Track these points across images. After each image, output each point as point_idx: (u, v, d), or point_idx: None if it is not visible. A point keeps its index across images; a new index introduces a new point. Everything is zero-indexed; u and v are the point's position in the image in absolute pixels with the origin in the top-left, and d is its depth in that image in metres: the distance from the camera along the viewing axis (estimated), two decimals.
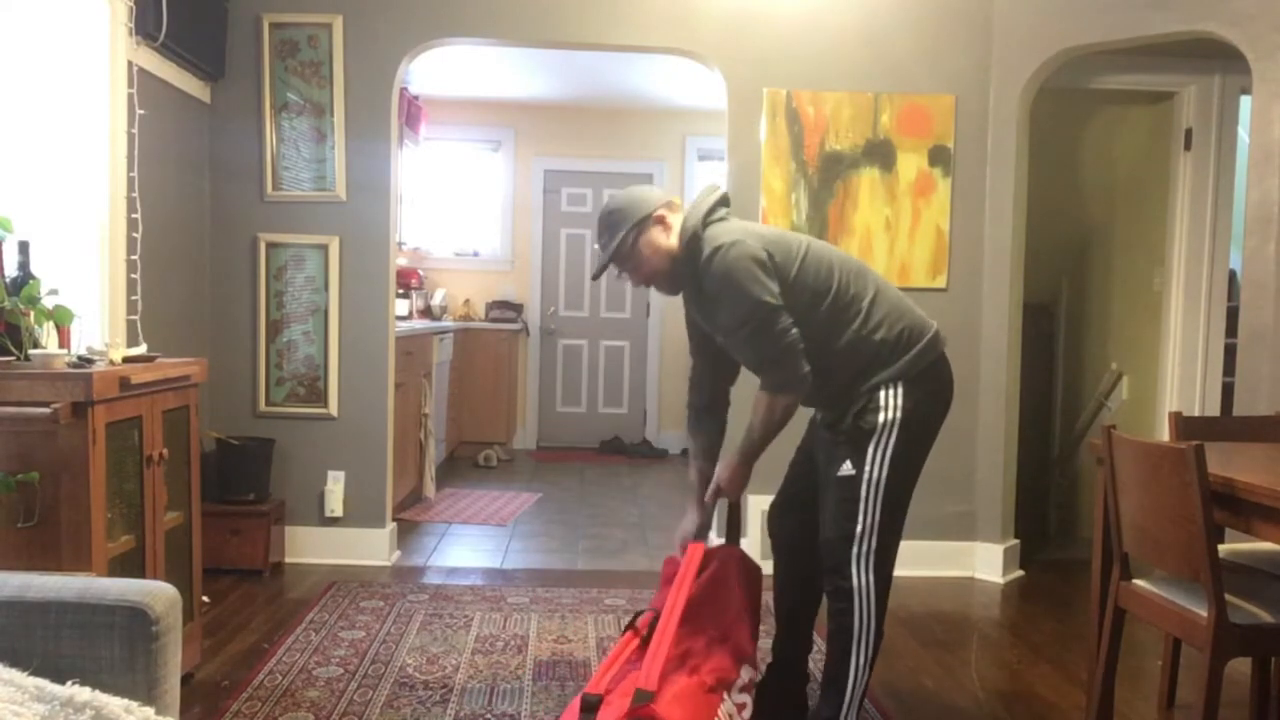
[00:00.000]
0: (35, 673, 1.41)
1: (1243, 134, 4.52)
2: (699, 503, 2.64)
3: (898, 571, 4.26)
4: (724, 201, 2.50)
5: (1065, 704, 2.93)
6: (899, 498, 2.44)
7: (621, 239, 2.42)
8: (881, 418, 2.38)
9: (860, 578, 2.39)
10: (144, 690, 1.51)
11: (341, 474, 4.17)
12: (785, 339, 2.33)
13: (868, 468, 2.38)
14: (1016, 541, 4.36)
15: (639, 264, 2.46)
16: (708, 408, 2.70)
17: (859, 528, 2.38)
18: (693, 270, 2.41)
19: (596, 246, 2.54)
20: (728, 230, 2.40)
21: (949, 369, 2.55)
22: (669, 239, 2.44)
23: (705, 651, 2.22)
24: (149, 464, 2.60)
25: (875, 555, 2.39)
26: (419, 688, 2.87)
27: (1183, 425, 2.86)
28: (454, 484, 6.06)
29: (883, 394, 2.40)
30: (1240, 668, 2.70)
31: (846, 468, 2.40)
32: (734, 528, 2.77)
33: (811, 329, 2.38)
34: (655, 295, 7.32)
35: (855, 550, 2.38)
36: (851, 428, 2.40)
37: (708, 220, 2.43)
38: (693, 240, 2.41)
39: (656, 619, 2.21)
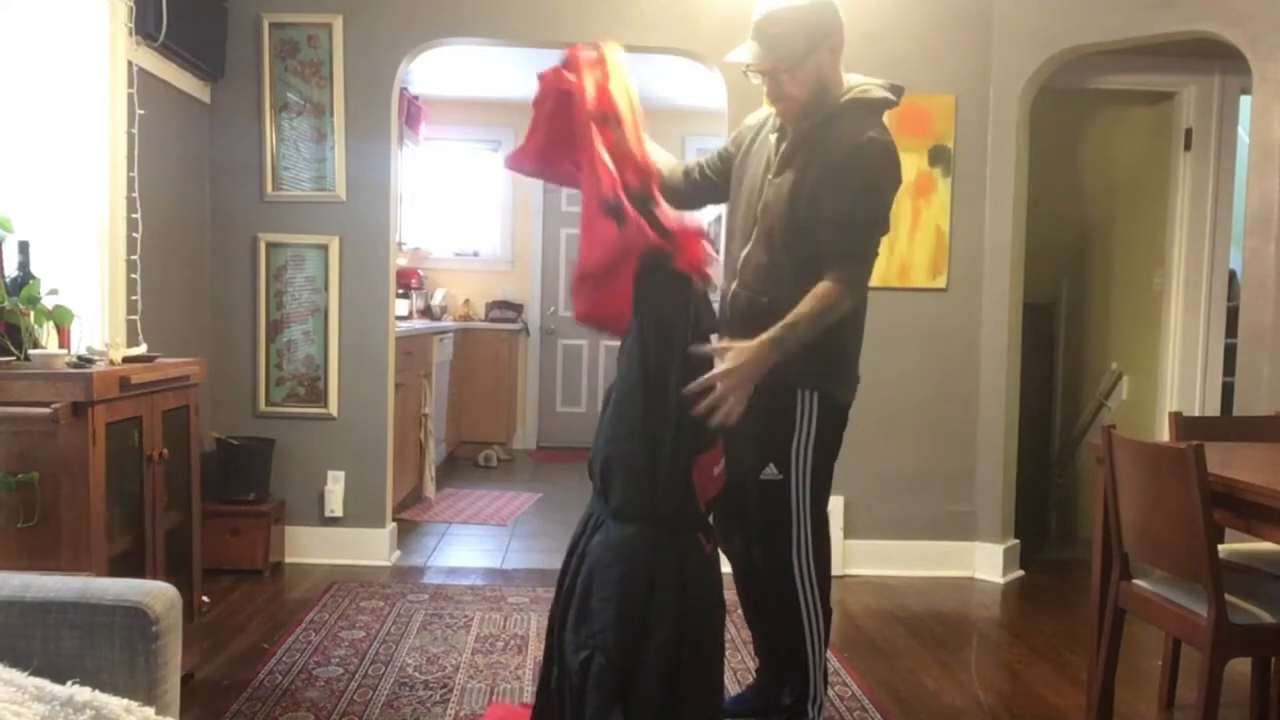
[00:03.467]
0: (35, 673, 1.41)
1: (1243, 134, 4.52)
2: None
3: (898, 571, 4.29)
4: (887, 106, 2.32)
5: (1065, 704, 2.93)
6: (823, 484, 2.45)
7: (795, 47, 2.20)
8: (799, 418, 2.37)
9: (802, 567, 2.42)
10: (144, 690, 1.50)
11: (341, 474, 4.17)
12: (875, 248, 2.27)
13: (793, 467, 2.38)
14: (1016, 541, 4.36)
15: (791, 83, 2.25)
16: (686, 184, 2.63)
17: (794, 528, 2.40)
18: (829, 131, 2.25)
19: (763, 33, 2.21)
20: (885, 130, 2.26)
21: (842, 418, 2.50)
22: (833, 73, 2.27)
23: None
24: (149, 464, 2.60)
25: (812, 543, 2.42)
26: (419, 688, 2.87)
27: (1183, 425, 2.86)
28: (454, 484, 6.06)
29: (800, 395, 2.36)
30: (1240, 668, 2.70)
31: (771, 471, 2.38)
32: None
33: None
34: None
35: (796, 547, 2.41)
36: (769, 423, 2.34)
37: (877, 102, 2.29)
38: (854, 105, 2.26)
39: None
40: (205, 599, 3.23)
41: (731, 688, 2.88)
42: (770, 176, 2.39)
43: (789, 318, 2.18)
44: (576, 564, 2.13)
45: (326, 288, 4.12)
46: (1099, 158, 5.16)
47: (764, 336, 2.16)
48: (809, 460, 2.38)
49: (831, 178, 2.24)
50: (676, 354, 2.02)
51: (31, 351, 2.36)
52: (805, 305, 2.19)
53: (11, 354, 2.36)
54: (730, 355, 2.11)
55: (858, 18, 4.19)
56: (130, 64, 3.33)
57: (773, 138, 2.44)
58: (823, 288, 2.21)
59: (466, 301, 7.56)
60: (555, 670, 2.14)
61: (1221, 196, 4.58)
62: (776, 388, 2.27)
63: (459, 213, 7.64)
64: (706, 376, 2.05)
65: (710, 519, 2.22)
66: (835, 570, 4.16)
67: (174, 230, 3.78)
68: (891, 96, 2.35)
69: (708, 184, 2.68)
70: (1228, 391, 4.22)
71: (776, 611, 2.49)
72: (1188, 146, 4.61)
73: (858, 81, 2.35)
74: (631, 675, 2.01)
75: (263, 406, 4.15)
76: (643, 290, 2.05)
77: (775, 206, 2.35)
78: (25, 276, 2.45)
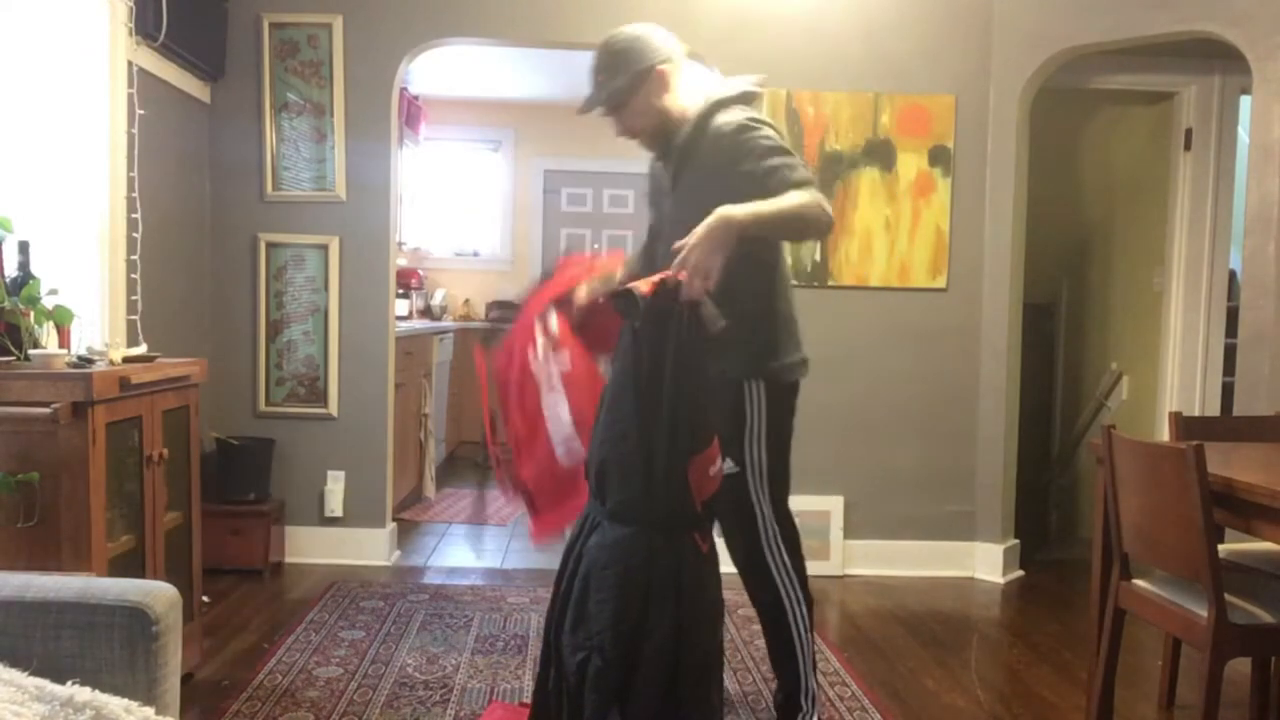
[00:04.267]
0: (35, 673, 1.41)
1: (1243, 134, 4.52)
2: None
3: (898, 571, 4.29)
4: (750, 98, 2.41)
5: (1065, 704, 2.93)
6: (779, 474, 2.47)
7: (617, 88, 2.33)
8: (749, 410, 2.39)
9: (776, 559, 2.44)
10: (144, 690, 1.50)
11: (341, 474, 4.17)
12: (809, 174, 2.26)
13: (748, 459, 2.40)
14: (1016, 541, 4.36)
15: (627, 117, 2.38)
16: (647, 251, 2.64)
17: (759, 519, 2.42)
18: (703, 134, 2.32)
19: (594, 81, 2.37)
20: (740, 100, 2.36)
21: (791, 402, 2.51)
22: (664, 99, 2.36)
23: None
24: (149, 464, 2.60)
25: (781, 533, 2.44)
26: (419, 688, 2.87)
27: (1183, 425, 2.86)
28: (454, 484, 6.06)
29: (747, 387, 2.39)
30: (1240, 668, 2.70)
31: (729, 465, 2.37)
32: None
33: (748, 264, 2.27)
34: None
35: (764, 538, 2.43)
36: (722, 422, 2.33)
37: (736, 97, 2.36)
38: (714, 108, 2.33)
39: None
40: (205, 599, 3.23)
41: (731, 687, 2.88)
42: (670, 196, 2.45)
43: (774, 201, 2.15)
44: (573, 565, 2.13)
45: (326, 288, 4.12)
46: (1099, 158, 5.16)
47: (727, 207, 2.10)
48: (762, 451, 2.41)
49: (728, 157, 2.28)
50: (670, 355, 2.01)
51: (31, 351, 2.36)
52: (785, 199, 2.17)
53: (11, 354, 2.36)
54: (697, 230, 2.07)
55: (858, 18, 4.21)
56: (130, 64, 3.33)
57: (659, 165, 2.51)
58: (790, 191, 2.19)
59: (466, 301, 7.56)
60: (553, 672, 2.14)
61: (1221, 196, 4.58)
62: (724, 383, 2.32)
63: (459, 213, 7.64)
64: (679, 244, 2.03)
65: (708, 519, 2.22)
66: (835, 570, 4.21)
67: (174, 230, 3.78)
68: (751, 89, 2.41)
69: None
70: (1228, 391, 4.22)
71: (760, 604, 2.52)
72: (1188, 146, 4.61)
73: (721, 85, 2.42)
74: (629, 676, 2.01)
75: (263, 406, 4.15)
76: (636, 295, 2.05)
77: (689, 214, 2.33)
78: (25, 276, 2.45)
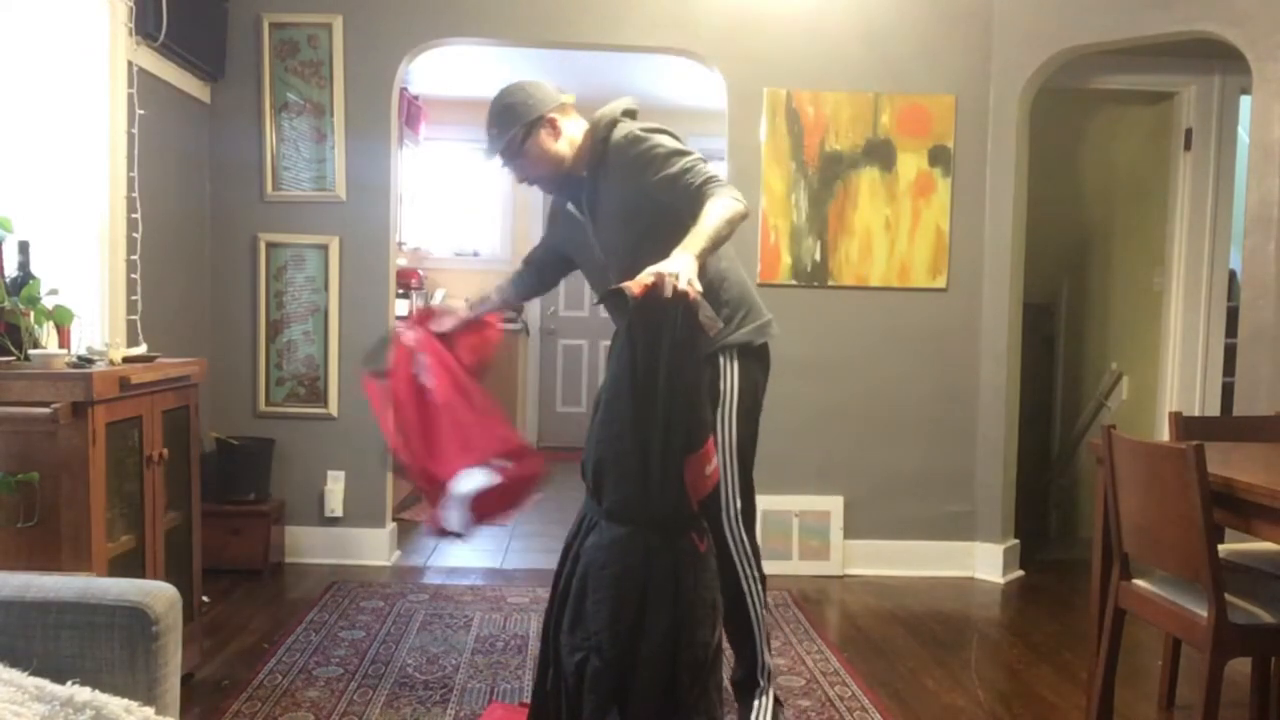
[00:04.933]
0: (35, 673, 1.41)
1: (1243, 134, 4.52)
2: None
3: (898, 571, 4.29)
4: (632, 113, 2.53)
5: (1065, 704, 2.93)
6: (748, 456, 2.52)
7: (510, 139, 2.45)
8: (723, 384, 2.45)
9: (735, 537, 2.47)
10: (144, 690, 1.51)
11: (341, 474, 4.17)
12: (714, 173, 2.34)
13: (719, 434, 2.43)
14: (1016, 541, 4.36)
15: (523, 165, 2.50)
16: (538, 272, 2.89)
17: (724, 493, 2.45)
18: (603, 162, 2.41)
19: (489, 134, 2.52)
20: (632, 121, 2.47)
21: (764, 370, 2.58)
22: (556, 144, 2.47)
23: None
24: (149, 464, 2.60)
25: (742, 514, 2.49)
26: (419, 688, 2.87)
27: (1183, 425, 2.86)
28: None
29: (721, 360, 2.45)
30: (1240, 668, 2.70)
31: None
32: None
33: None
34: None
35: (726, 515, 2.46)
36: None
37: (619, 118, 2.46)
38: (603, 132, 2.42)
39: None
40: (205, 599, 3.23)
41: (730, 686, 2.88)
42: (593, 228, 2.52)
43: (700, 223, 2.16)
44: (571, 566, 2.13)
45: (326, 288, 4.12)
46: (1099, 158, 5.16)
47: (678, 249, 2.10)
48: (733, 426, 2.46)
49: (635, 169, 2.37)
50: (664, 354, 2.01)
51: (31, 351, 2.36)
52: (710, 211, 2.19)
53: (11, 354, 2.36)
54: (665, 264, 2.04)
55: (858, 18, 4.21)
56: (130, 64, 3.33)
57: (570, 205, 2.59)
58: (712, 201, 2.22)
59: (466, 301, 7.55)
60: (551, 672, 2.14)
61: (1221, 196, 4.58)
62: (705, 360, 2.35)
63: (459, 213, 7.64)
64: (652, 269, 2.00)
65: (703, 518, 2.22)
66: (835, 570, 4.21)
67: (174, 230, 3.78)
68: (631, 106, 2.52)
69: (548, 261, 2.91)
70: (1228, 391, 4.22)
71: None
72: (1188, 146, 4.61)
73: (603, 112, 2.49)
74: (628, 676, 2.01)
75: (263, 406, 4.15)
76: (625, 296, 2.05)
77: (614, 237, 2.47)
78: (25, 276, 2.45)
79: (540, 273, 2.93)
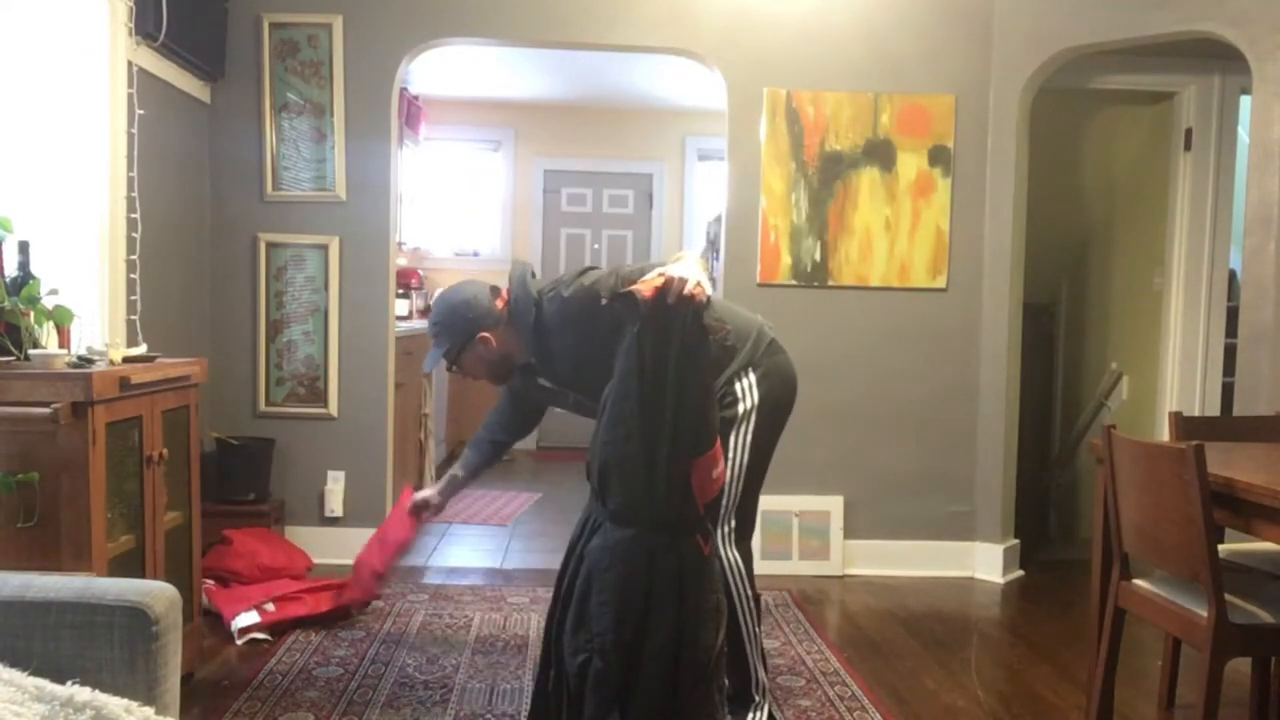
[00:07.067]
0: (35, 673, 1.41)
1: (1243, 134, 4.52)
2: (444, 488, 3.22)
3: (897, 571, 4.29)
4: (531, 274, 2.64)
5: (1065, 704, 2.93)
6: (756, 478, 2.55)
7: (448, 351, 2.60)
8: (741, 408, 2.48)
9: (728, 555, 2.49)
10: (144, 690, 1.50)
11: (341, 474, 4.17)
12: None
13: (732, 455, 2.46)
14: (1016, 541, 4.36)
15: (465, 370, 2.65)
16: (500, 442, 3.09)
17: (721, 513, 2.45)
18: (543, 331, 2.51)
19: (432, 336, 2.66)
20: (553, 287, 2.54)
21: (786, 356, 2.61)
22: (492, 352, 2.59)
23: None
24: (149, 464, 2.60)
25: (735, 532, 2.52)
26: (419, 688, 2.87)
27: (1183, 425, 2.86)
28: None
29: (738, 385, 2.49)
30: (1240, 668, 2.70)
31: None
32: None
33: None
34: None
35: (718, 532, 2.45)
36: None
37: (540, 294, 2.54)
38: (534, 308, 2.51)
39: None
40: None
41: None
42: (554, 381, 2.67)
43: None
44: (574, 567, 2.12)
45: (326, 288, 4.12)
46: (1099, 158, 5.16)
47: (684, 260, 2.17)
48: (747, 444, 2.50)
49: (583, 326, 2.42)
50: (673, 357, 2.01)
51: (31, 351, 2.36)
52: None
53: (11, 354, 2.36)
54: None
55: (858, 18, 4.21)
56: (130, 64, 3.33)
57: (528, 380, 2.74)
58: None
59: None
60: (553, 673, 2.14)
61: (1221, 196, 4.58)
62: (718, 390, 2.42)
63: (459, 213, 7.64)
64: (660, 270, 2.03)
65: (708, 521, 2.22)
66: (835, 570, 4.21)
67: (174, 230, 3.78)
68: (528, 284, 2.58)
69: (520, 413, 3.09)
70: (1228, 391, 4.22)
71: None
72: (1188, 146, 4.61)
73: (516, 297, 2.57)
74: (630, 678, 2.00)
75: (263, 406, 4.15)
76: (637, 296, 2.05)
77: (578, 376, 2.56)
78: (25, 276, 2.45)
79: (516, 424, 3.10)
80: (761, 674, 2.57)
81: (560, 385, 2.67)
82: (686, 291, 1.99)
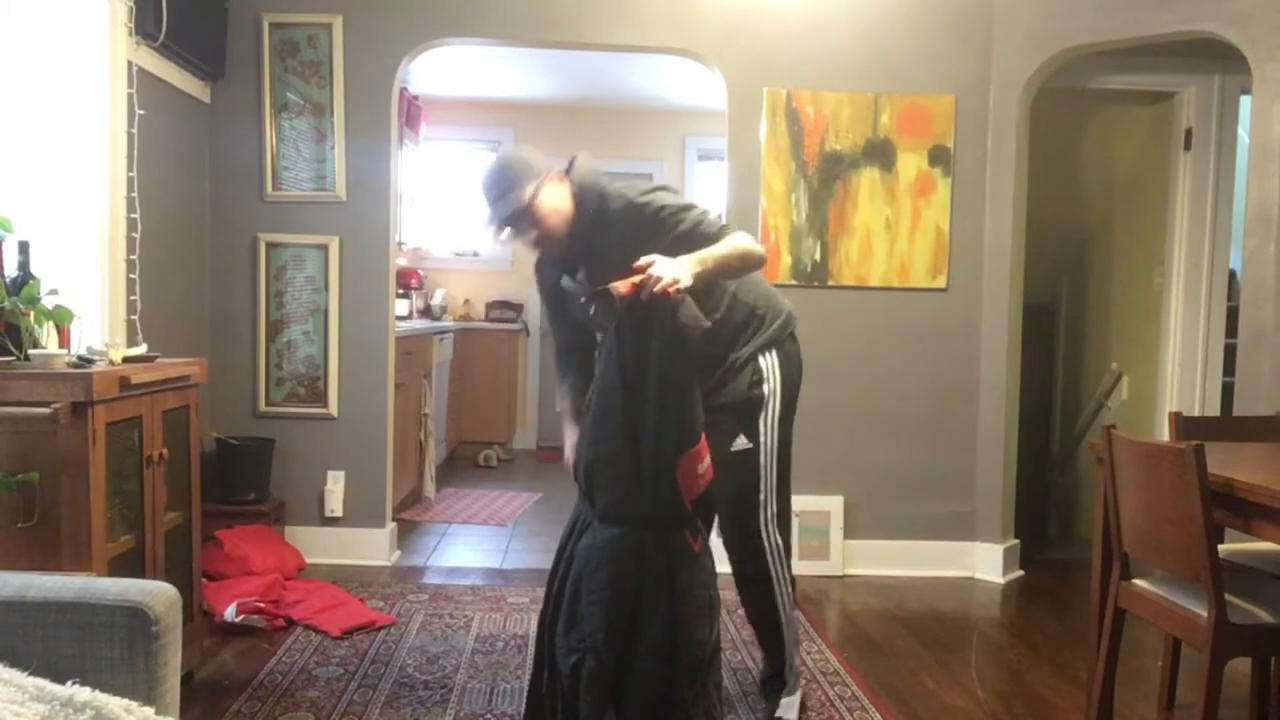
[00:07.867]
0: (35, 673, 1.41)
1: (1243, 134, 4.52)
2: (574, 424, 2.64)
3: (898, 571, 4.29)
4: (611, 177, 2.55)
5: (1065, 704, 2.93)
6: (787, 457, 2.58)
7: (521, 193, 2.33)
8: (767, 388, 2.51)
9: (770, 539, 2.52)
10: (144, 690, 1.50)
11: (341, 474, 4.17)
12: (724, 224, 2.40)
13: (763, 438, 2.50)
14: (1016, 541, 4.36)
15: (538, 221, 2.38)
16: (582, 366, 2.67)
17: (762, 495, 2.50)
18: (602, 223, 2.39)
19: (488, 201, 2.43)
20: (622, 188, 2.45)
21: (799, 348, 2.65)
22: (566, 200, 2.41)
23: None
24: (149, 464, 2.60)
25: (778, 516, 2.54)
26: (419, 688, 2.87)
27: (1183, 425, 2.86)
28: (454, 484, 6.06)
29: (763, 361, 2.52)
30: (1240, 668, 2.70)
31: (741, 442, 2.49)
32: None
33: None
34: None
35: (763, 516, 2.51)
36: (744, 399, 2.50)
37: (608, 183, 2.45)
38: (598, 199, 2.40)
39: None
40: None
41: (730, 686, 2.88)
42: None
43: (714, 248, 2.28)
44: (565, 567, 2.13)
45: (326, 288, 4.12)
46: (1099, 158, 5.16)
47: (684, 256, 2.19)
48: (775, 428, 2.53)
49: (645, 236, 2.32)
50: (653, 354, 2.01)
51: (31, 351, 2.36)
52: (726, 242, 2.32)
53: (11, 354, 2.36)
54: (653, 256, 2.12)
55: (858, 18, 4.21)
56: (130, 64, 3.33)
57: (566, 280, 2.52)
58: (728, 237, 2.34)
59: (466, 301, 7.56)
60: (547, 674, 2.14)
61: (1221, 196, 4.58)
62: (743, 365, 2.48)
63: (459, 213, 7.64)
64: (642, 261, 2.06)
65: (698, 517, 2.23)
66: (835, 570, 4.21)
67: (174, 230, 3.78)
68: (600, 171, 2.50)
69: (580, 347, 2.70)
70: (1228, 391, 4.22)
71: (750, 584, 2.59)
72: (1188, 146, 4.61)
73: (585, 175, 2.49)
74: (624, 677, 2.00)
75: (263, 406, 4.15)
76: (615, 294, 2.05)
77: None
78: (25, 276, 2.45)
79: (585, 365, 2.73)
80: (796, 660, 2.60)
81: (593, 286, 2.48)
82: (659, 290, 2.00)
